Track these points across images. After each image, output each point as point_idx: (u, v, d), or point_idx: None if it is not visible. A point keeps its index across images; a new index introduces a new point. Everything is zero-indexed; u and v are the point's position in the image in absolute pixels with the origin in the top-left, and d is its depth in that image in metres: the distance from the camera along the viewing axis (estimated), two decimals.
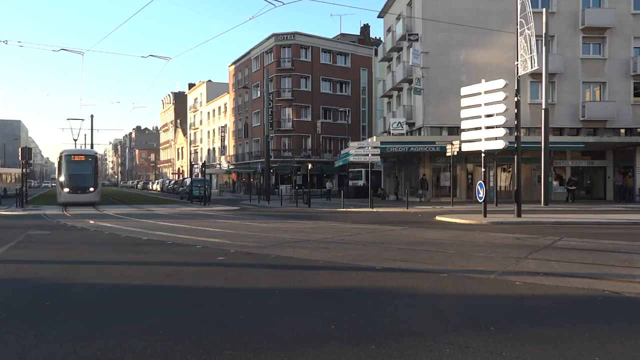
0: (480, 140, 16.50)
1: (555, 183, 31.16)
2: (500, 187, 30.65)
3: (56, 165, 30.62)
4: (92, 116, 53.35)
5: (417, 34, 32.42)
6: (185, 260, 8.35)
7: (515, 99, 16.84)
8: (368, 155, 25.05)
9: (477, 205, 19.88)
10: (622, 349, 3.89)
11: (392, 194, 35.77)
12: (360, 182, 38.58)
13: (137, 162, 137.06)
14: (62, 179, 28.23)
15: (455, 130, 25.67)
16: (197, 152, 76.18)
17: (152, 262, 8.27)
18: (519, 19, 17.05)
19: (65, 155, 28.95)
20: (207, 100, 74.12)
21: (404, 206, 24.80)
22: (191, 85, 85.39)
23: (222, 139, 58.73)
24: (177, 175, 76.75)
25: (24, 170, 27.91)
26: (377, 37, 56.90)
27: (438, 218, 18.01)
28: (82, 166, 28.75)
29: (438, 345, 3.89)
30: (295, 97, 50.25)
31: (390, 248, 9.59)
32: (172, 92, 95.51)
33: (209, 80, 76.61)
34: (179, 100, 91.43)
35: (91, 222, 15.92)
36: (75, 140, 42.72)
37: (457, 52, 31.08)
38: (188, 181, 38.52)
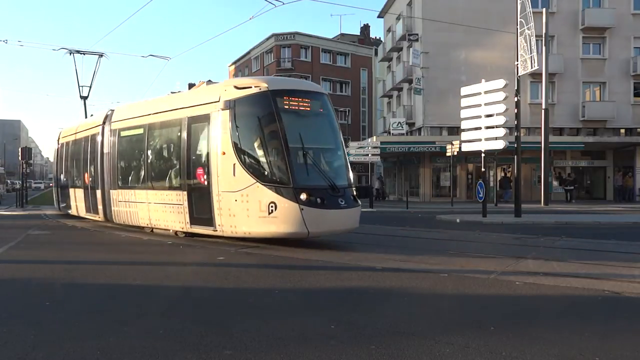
0: (480, 140, 16.49)
1: (555, 183, 31.18)
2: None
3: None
4: (92, 116, 53.16)
5: (417, 34, 32.44)
6: (185, 260, 8.35)
7: (515, 99, 16.84)
8: (368, 155, 25.06)
9: (477, 205, 19.88)
10: (622, 349, 3.89)
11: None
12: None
13: None
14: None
15: (455, 130, 25.67)
16: None
17: (152, 262, 8.27)
18: (519, 19, 17.06)
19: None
20: None
21: (403, 206, 24.81)
22: (191, 85, 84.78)
23: None
24: None
25: (24, 170, 27.88)
26: (377, 37, 56.89)
27: (438, 217, 18.02)
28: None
29: (438, 345, 3.89)
30: None
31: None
32: (172, 92, 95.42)
33: (209, 80, 76.34)
34: None
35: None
36: None
37: (457, 52, 31.07)
38: None
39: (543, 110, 22.70)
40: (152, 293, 5.99)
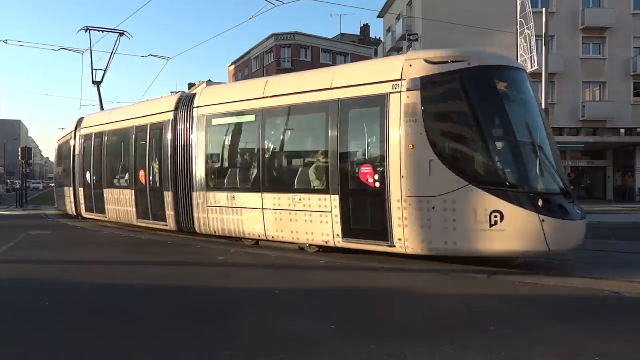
0: None
1: None
2: None
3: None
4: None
5: (417, 34, 32.45)
6: (185, 260, 8.35)
7: None
8: None
9: None
10: (622, 349, 3.89)
11: None
12: None
13: None
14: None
15: None
16: None
17: (152, 262, 8.27)
18: (519, 19, 17.08)
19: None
20: None
21: None
22: (191, 85, 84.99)
23: None
24: None
25: (24, 170, 27.88)
26: (377, 37, 56.87)
27: None
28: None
29: (438, 345, 3.89)
30: None
31: None
32: (172, 92, 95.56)
33: (209, 80, 76.41)
34: None
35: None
36: None
37: None
38: None
39: (543, 110, 22.69)
40: (151, 293, 5.98)
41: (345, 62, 53.15)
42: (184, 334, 4.27)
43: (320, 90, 8.31)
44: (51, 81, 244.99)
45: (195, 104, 10.36)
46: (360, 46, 55.07)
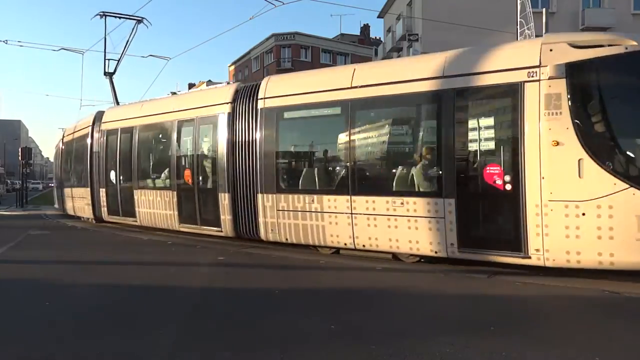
0: None
1: None
2: None
3: None
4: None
5: (417, 34, 32.46)
6: (185, 261, 8.35)
7: None
8: None
9: None
10: (622, 349, 3.89)
11: None
12: None
13: None
14: None
15: None
16: None
17: (152, 262, 8.27)
18: (519, 19, 17.07)
19: None
20: None
21: None
22: (191, 85, 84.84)
23: None
24: None
25: (24, 170, 27.89)
26: (377, 37, 56.86)
27: None
28: None
29: (438, 345, 3.89)
30: None
31: None
32: (172, 92, 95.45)
33: (209, 80, 76.16)
34: None
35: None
36: None
37: None
38: None
39: None
40: (151, 293, 5.98)
41: (345, 63, 53.17)
42: (185, 334, 4.27)
43: (428, 79, 7.29)
44: (51, 81, 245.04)
45: (261, 95, 9.11)
46: (360, 46, 55.09)
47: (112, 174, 13.14)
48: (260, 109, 9.06)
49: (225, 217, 9.71)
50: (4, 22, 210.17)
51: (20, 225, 15.20)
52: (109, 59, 16.90)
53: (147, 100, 13.50)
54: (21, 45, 26.64)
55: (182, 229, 10.85)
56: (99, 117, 14.12)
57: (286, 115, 8.95)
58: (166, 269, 7.63)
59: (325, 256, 8.36)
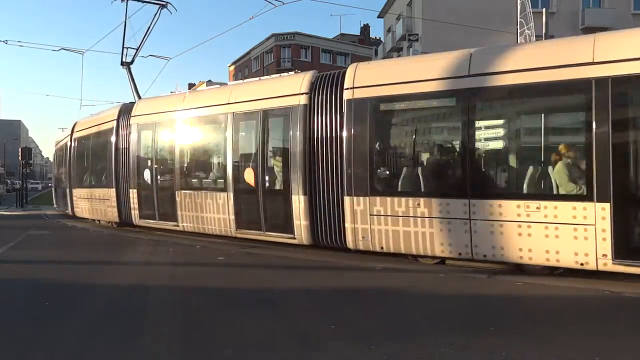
0: None
1: None
2: None
3: None
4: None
5: (417, 34, 32.47)
6: (186, 261, 8.35)
7: None
8: None
9: None
10: (622, 349, 3.89)
11: None
12: None
13: None
14: None
15: None
16: None
17: (153, 262, 8.27)
18: (519, 19, 17.08)
19: None
20: None
21: None
22: (191, 85, 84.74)
23: None
24: None
25: (24, 170, 27.89)
26: (377, 37, 56.86)
27: None
28: None
29: (438, 345, 3.89)
30: None
31: None
32: (172, 92, 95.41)
33: (209, 80, 76.12)
34: None
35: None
36: None
37: None
38: None
39: None
40: (151, 293, 5.98)
41: (345, 63, 53.16)
42: (184, 334, 4.27)
43: (572, 65, 6.20)
44: (51, 81, 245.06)
45: (347, 84, 8.01)
46: (360, 46, 55.09)
47: (147, 173, 11.72)
48: (348, 100, 7.95)
49: (300, 222, 8.50)
50: (4, 22, 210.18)
51: (20, 225, 15.21)
52: (127, 47, 15.28)
53: (189, 92, 12.38)
54: (21, 45, 26.22)
55: (239, 235, 9.67)
56: (126, 110, 12.71)
57: (382, 107, 7.90)
58: (166, 269, 7.63)
59: (325, 256, 8.35)
